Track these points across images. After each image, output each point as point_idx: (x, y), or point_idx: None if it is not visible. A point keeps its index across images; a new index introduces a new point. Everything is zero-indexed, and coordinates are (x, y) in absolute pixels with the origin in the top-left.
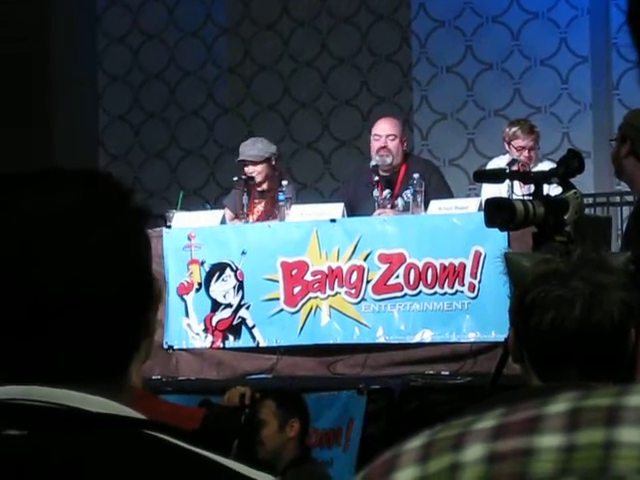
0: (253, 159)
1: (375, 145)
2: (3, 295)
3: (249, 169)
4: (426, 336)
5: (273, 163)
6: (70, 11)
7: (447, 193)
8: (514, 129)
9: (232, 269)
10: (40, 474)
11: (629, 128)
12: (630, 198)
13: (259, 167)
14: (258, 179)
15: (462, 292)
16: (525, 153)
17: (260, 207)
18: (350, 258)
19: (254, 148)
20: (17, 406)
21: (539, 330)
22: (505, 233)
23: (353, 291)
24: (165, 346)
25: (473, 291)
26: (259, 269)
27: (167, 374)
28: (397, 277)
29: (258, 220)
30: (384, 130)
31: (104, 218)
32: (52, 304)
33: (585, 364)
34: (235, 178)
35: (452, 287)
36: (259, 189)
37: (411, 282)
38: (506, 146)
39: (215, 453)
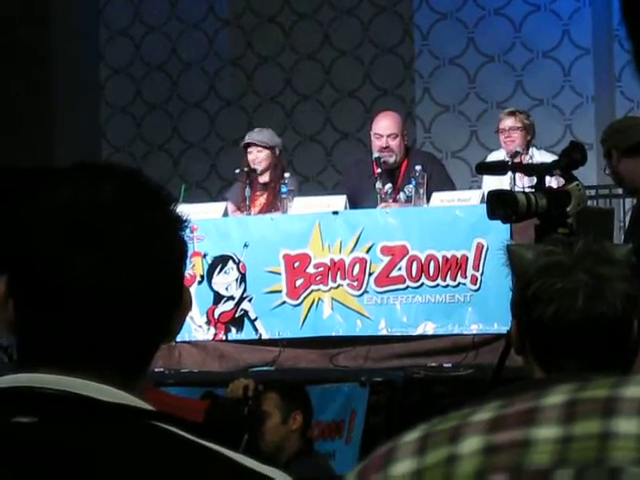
0: (260, 143)
1: (377, 144)
2: (29, 282)
3: (253, 156)
4: (428, 328)
5: (277, 154)
6: (72, 3)
7: (449, 185)
8: (500, 115)
9: (234, 261)
10: (50, 461)
11: (609, 139)
12: None
13: (263, 154)
14: (261, 167)
15: (464, 284)
16: (506, 134)
17: (262, 199)
18: (352, 250)
19: (261, 134)
20: (27, 393)
21: (542, 322)
22: (507, 225)
23: (355, 283)
24: None
25: (475, 283)
26: (261, 261)
27: (170, 366)
28: (399, 269)
29: (260, 212)
30: (385, 129)
31: (133, 214)
32: (73, 294)
33: (588, 356)
34: (237, 170)
35: (454, 279)
36: (261, 181)
37: (413, 274)
38: (500, 138)
39: (222, 446)
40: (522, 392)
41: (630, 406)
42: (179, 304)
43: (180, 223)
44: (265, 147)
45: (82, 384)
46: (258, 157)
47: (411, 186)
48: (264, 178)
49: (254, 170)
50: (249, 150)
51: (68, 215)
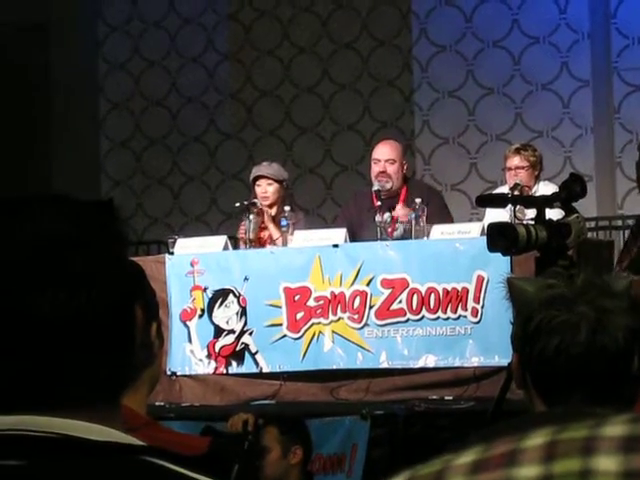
0: (270, 176)
1: (374, 169)
2: None
3: (262, 189)
4: (429, 361)
5: (285, 187)
6: (71, 37)
7: (447, 217)
8: (506, 151)
9: (235, 295)
10: None
11: None
12: (632, 222)
13: (273, 187)
14: (269, 200)
15: (465, 317)
16: (513, 172)
17: (267, 232)
18: (353, 283)
19: (270, 168)
20: (14, 436)
21: (544, 355)
22: (508, 257)
23: (356, 316)
24: (168, 372)
25: (476, 316)
26: (262, 295)
27: (170, 400)
28: (400, 302)
29: (265, 245)
30: (383, 154)
31: (80, 244)
32: (42, 330)
33: (590, 389)
34: (237, 204)
35: (455, 312)
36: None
37: (414, 307)
38: (506, 173)
39: (214, 478)
40: (528, 426)
41: (609, 444)
42: (133, 323)
43: (122, 244)
44: (275, 180)
45: (69, 424)
46: (268, 190)
47: (411, 217)
48: (272, 210)
49: (254, 203)
50: (258, 183)
51: (13, 252)
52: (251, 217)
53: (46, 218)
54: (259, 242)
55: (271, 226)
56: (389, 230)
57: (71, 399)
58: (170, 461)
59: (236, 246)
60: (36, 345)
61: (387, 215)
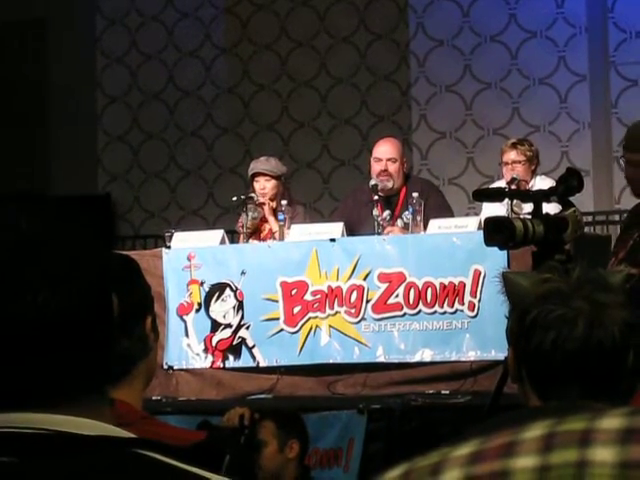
0: (268, 172)
1: (375, 168)
2: None
3: (260, 185)
4: (426, 355)
5: (283, 182)
6: (68, 31)
7: (447, 212)
8: (503, 146)
9: (232, 289)
10: None
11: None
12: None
13: (271, 183)
14: (269, 196)
15: (462, 311)
16: (510, 167)
17: (268, 226)
18: (350, 277)
19: (268, 164)
20: (6, 434)
21: (540, 350)
22: (505, 252)
23: (353, 310)
24: (165, 366)
25: (473, 310)
26: (259, 289)
27: (167, 394)
28: (397, 296)
29: (265, 239)
30: (384, 153)
31: (52, 243)
32: (26, 330)
33: (586, 383)
34: (234, 198)
35: (452, 306)
36: (268, 208)
37: (411, 301)
38: (502, 168)
39: (207, 470)
40: (520, 420)
41: (606, 437)
42: (111, 318)
43: (101, 238)
44: (273, 177)
45: (59, 420)
46: (266, 187)
47: (408, 214)
48: (271, 205)
49: (251, 197)
50: (256, 179)
51: None
52: (249, 207)
53: (19, 219)
54: (259, 236)
55: (271, 219)
56: (387, 231)
57: (59, 395)
58: (160, 453)
59: (235, 240)
60: (23, 346)
61: (387, 213)
